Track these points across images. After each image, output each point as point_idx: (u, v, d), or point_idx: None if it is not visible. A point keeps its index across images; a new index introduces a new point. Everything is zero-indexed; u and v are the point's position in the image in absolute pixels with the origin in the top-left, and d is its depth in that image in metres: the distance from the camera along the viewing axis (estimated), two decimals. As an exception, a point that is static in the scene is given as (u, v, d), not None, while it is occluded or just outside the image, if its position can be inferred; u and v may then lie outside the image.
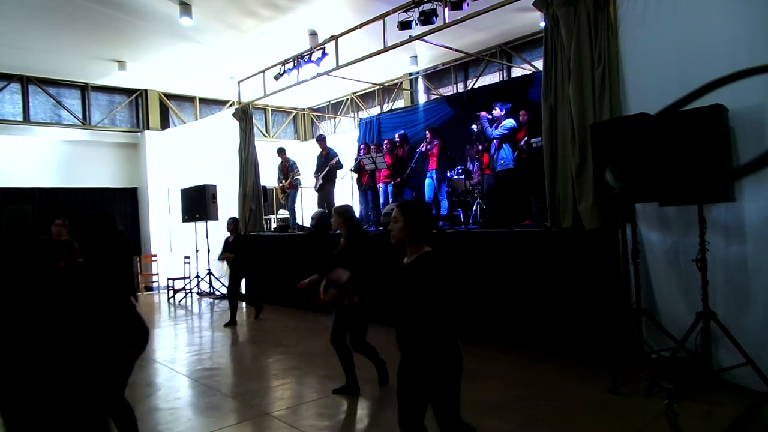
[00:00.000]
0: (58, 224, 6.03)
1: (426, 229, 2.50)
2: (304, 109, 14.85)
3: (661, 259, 4.42)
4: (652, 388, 3.86)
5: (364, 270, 3.93)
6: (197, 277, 10.36)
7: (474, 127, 7.86)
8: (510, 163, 7.18)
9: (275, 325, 7.40)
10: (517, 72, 10.28)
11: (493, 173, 7.45)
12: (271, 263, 9.09)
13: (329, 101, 14.49)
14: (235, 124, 10.11)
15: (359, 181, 10.00)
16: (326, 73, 8.41)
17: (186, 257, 10.89)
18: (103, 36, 9.08)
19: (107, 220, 3.11)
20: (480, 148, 8.01)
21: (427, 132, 9.09)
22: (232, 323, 7.35)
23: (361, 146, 10.04)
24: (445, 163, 8.80)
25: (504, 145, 7.21)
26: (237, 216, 9.01)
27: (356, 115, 13.79)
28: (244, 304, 8.85)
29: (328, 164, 9.65)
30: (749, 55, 3.69)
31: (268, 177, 10.90)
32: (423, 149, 9.03)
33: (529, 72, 9.44)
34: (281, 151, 10.37)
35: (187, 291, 10.45)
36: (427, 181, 9.11)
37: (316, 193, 10.04)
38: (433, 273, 2.40)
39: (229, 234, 8.01)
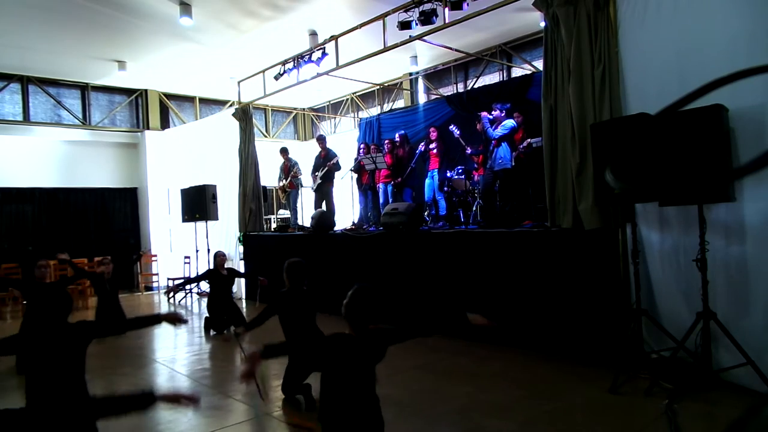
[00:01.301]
0: (42, 265, 5.86)
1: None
2: (304, 109, 14.85)
3: (661, 259, 4.42)
4: (652, 388, 3.86)
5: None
6: (196, 284, 10.35)
7: (452, 128, 7.94)
8: (507, 163, 7.18)
9: (275, 325, 7.37)
10: (517, 72, 10.28)
11: (491, 172, 7.45)
12: (271, 263, 9.07)
13: (329, 101, 14.49)
14: (235, 124, 10.11)
15: (359, 181, 10.00)
16: (326, 73, 8.41)
17: (186, 257, 10.89)
18: (103, 36, 9.08)
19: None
20: (469, 151, 8.05)
21: (432, 130, 9.07)
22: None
23: (361, 146, 10.05)
24: (448, 163, 8.81)
25: (503, 143, 7.21)
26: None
27: (356, 115, 13.79)
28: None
29: (327, 164, 9.66)
30: (749, 55, 3.69)
31: (268, 177, 10.91)
32: (423, 149, 9.03)
33: (529, 72, 9.44)
34: (284, 151, 10.39)
35: (187, 291, 10.44)
36: (428, 181, 9.11)
37: (313, 193, 10.05)
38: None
39: (213, 267, 7.32)
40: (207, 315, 7.26)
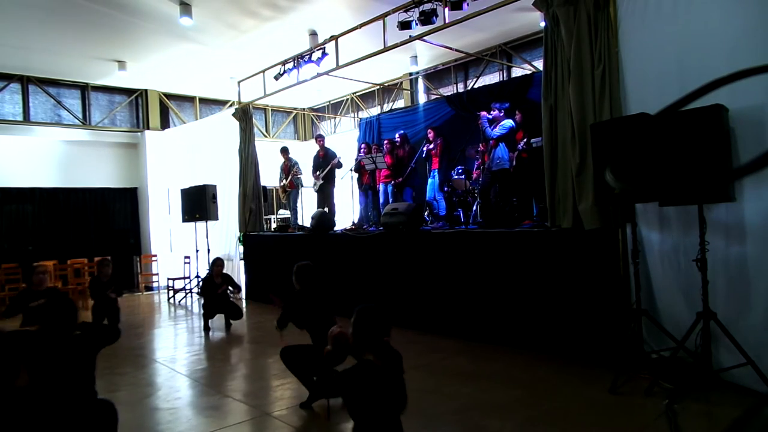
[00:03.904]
0: (39, 272, 5.81)
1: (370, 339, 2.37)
2: (304, 109, 14.86)
3: (661, 259, 4.42)
4: (652, 388, 3.86)
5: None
6: (197, 277, 10.36)
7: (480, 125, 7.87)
8: (505, 163, 7.18)
9: (275, 325, 7.40)
10: (517, 72, 10.28)
11: (489, 172, 7.46)
12: (271, 263, 9.09)
13: (329, 101, 14.49)
14: (235, 124, 10.11)
15: (359, 181, 10.01)
16: (326, 73, 8.41)
17: (186, 257, 10.89)
18: (103, 36, 9.08)
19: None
20: (481, 148, 8.03)
21: (429, 131, 9.07)
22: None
23: (362, 146, 10.05)
24: (448, 163, 8.80)
25: (500, 144, 7.21)
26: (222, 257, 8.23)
27: (356, 115, 13.79)
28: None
29: (328, 164, 9.66)
30: (749, 55, 3.69)
31: (268, 177, 10.91)
32: (425, 150, 9.02)
33: (529, 72, 9.44)
34: (284, 151, 10.40)
35: (187, 291, 10.44)
36: (430, 180, 9.11)
37: (315, 194, 10.06)
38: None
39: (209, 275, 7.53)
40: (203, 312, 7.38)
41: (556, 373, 4.56)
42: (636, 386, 3.97)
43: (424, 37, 6.92)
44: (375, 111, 12.98)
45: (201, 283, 7.65)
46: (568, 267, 4.94)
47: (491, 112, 7.39)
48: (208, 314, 7.30)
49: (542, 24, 6.01)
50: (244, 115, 10.03)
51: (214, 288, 7.29)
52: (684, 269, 4.17)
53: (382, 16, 7.10)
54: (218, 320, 7.54)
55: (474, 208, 7.67)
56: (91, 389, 3.02)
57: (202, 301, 7.66)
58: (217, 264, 7.52)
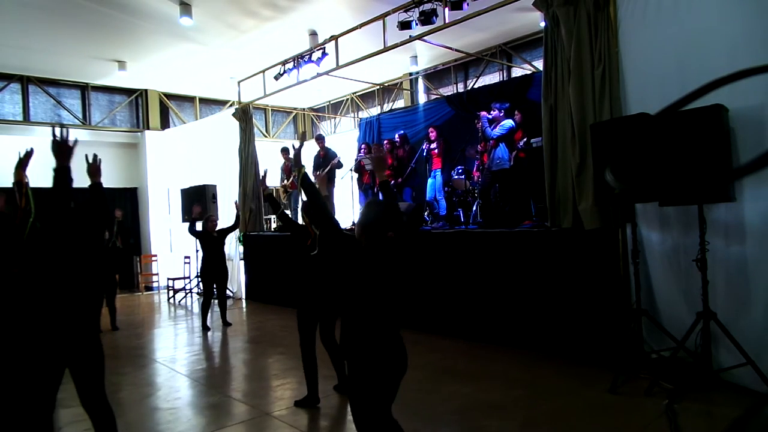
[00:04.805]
0: None
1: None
2: (304, 109, 14.85)
3: (661, 259, 4.42)
4: (652, 388, 3.86)
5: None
6: (197, 277, 10.36)
7: (479, 125, 7.86)
8: (505, 164, 7.18)
9: (275, 325, 7.40)
10: (517, 72, 10.28)
11: (489, 172, 7.45)
12: (271, 263, 9.09)
13: (329, 101, 14.49)
14: (235, 124, 10.12)
15: (360, 181, 10.00)
16: (326, 73, 8.41)
17: (186, 257, 10.89)
18: (103, 36, 9.08)
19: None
20: (480, 148, 8.02)
21: (431, 131, 9.05)
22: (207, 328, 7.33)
23: (362, 146, 10.05)
24: (450, 163, 8.79)
25: (500, 144, 7.21)
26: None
27: (356, 115, 13.79)
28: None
29: (328, 164, 9.66)
30: (749, 55, 3.69)
31: (268, 177, 10.89)
32: (426, 149, 9.00)
33: (529, 72, 9.43)
34: (285, 152, 10.40)
35: (187, 291, 10.45)
36: (430, 180, 9.09)
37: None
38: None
39: (204, 230, 7.64)
40: (198, 274, 7.51)
41: (556, 373, 4.56)
42: (636, 386, 3.97)
43: (424, 37, 6.92)
44: (375, 111, 12.98)
45: (198, 232, 7.62)
46: (568, 267, 4.95)
47: (491, 112, 7.38)
48: (204, 277, 7.42)
49: (542, 24, 6.01)
50: (244, 115, 10.03)
51: (212, 242, 7.40)
52: (684, 269, 4.17)
53: (382, 16, 7.10)
54: (218, 320, 7.55)
55: (474, 208, 7.67)
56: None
57: (201, 257, 7.77)
58: (210, 220, 7.66)
